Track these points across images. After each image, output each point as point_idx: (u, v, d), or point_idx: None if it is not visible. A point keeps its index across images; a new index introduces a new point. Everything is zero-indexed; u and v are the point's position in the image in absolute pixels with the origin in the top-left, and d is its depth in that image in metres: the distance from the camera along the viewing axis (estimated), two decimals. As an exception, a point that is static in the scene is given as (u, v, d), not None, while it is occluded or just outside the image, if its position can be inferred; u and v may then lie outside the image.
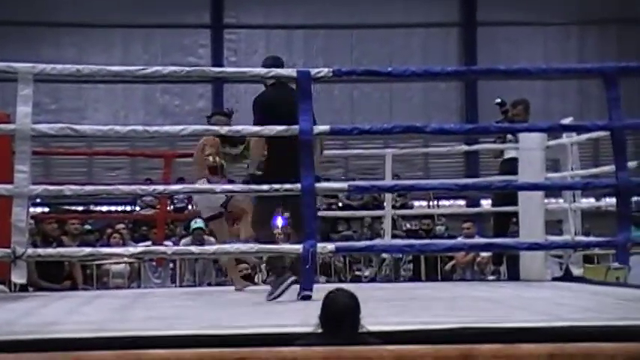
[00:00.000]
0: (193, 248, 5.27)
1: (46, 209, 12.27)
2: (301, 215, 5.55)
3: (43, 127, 4.89)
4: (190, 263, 9.09)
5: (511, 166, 7.41)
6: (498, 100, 7.94)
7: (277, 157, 5.43)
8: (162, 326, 4.16)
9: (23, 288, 7.18)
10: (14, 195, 4.76)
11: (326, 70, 5.11)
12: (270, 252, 5.39)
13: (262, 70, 5.43)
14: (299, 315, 4.13)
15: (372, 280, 9.55)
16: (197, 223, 8.91)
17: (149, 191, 5.50)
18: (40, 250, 5.22)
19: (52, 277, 8.19)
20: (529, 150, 7.10)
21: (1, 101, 12.96)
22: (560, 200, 7.76)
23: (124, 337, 3.70)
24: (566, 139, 7.06)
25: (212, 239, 9.42)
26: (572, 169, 7.06)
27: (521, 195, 7.15)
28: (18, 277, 4.75)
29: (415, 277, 9.49)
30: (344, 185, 5.64)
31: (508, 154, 7.70)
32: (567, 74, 14.64)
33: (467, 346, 1.91)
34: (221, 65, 15.15)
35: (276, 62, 5.65)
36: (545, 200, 7.41)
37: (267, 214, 5.77)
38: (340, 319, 3.26)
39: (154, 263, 8.77)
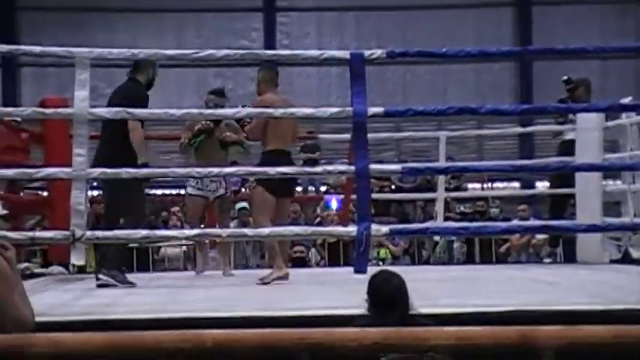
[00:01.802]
0: (247, 230, 5.30)
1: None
2: (109, 201, 5.66)
3: (100, 111, 4.96)
4: (240, 245, 9.15)
5: (570, 148, 7.28)
6: (565, 77, 7.78)
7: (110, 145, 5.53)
8: (219, 307, 4.20)
9: (81, 270, 7.32)
10: (73, 178, 4.84)
11: (379, 51, 5.08)
12: (325, 235, 5.38)
13: (315, 53, 5.42)
14: (350, 296, 4.12)
15: (426, 262, 9.51)
16: (241, 203, 9.06)
17: (204, 174, 5.53)
18: (99, 233, 5.29)
19: None
20: (587, 130, 6.98)
21: (57, 87, 13.17)
22: (619, 182, 7.63)
23: (183, 318, 3.74)
24: (625, 119, 6.92)
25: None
26: (631, 150, 6.92)
27: (579, 176, 7.04)
28: (77, 259, 4.83)
29: (469, 260, 9.42)
30: (398, 167, 5.61)
31: (568, 135, 7.57)
32: (625, 53, 14.37)
33: (528, 328, 1.88)
34: (273, 48, 15.15)
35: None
36: (604, 182, 7.29)
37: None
38: (392, 301, 3.25)
39: (210, 245, 8.85)
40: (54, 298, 4.87)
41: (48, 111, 5.28)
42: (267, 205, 5.87)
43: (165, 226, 9.60)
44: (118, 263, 5.64)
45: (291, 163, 5.75)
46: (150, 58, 5.46)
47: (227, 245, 6.48)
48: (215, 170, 5.12)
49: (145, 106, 5.41)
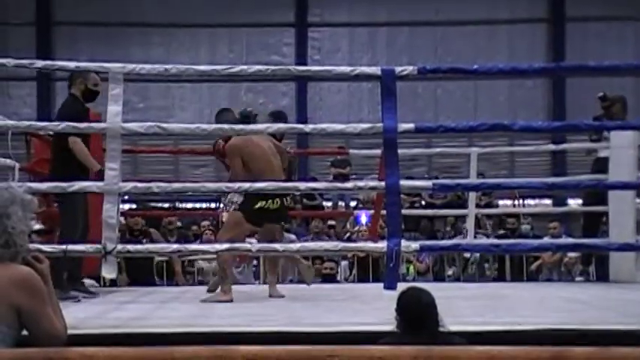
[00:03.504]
0: (277, 245, 5.29)
1: (133, 206, 12.57)
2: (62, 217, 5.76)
3: (133, 126, 4.99)
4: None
5: (604, 165, 7.21)
6: (601, 94, 7.71)
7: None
8: (248, 322, 4.20)
9: (113, 283, 7.37)
10: (105, 192, 4.87)
11: (411, 67, 5.06)
12: (355, 250, 5.36)
13: (347, 69, 5.42)
14: (380, 313, 4.11)
15: (457, 279, 9.45)
16: None
17: (234, 188, 5.55)
18: (130, 247, 5.32)
19: (140, 271, 8.42)
20: (621, 148, 6.92)
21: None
22: (653, 200, 7.53)
23: (214, 332, 3.75)
24: (660, 137, 6.85)
25: (293, 236, 9.49)
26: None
27: (612, 194, 6.97)
28: (108, 273, 4.86)
29: (500, 277, 9.34)
30: (429, 183, 5.58)
31: (602, 153, 7.50)
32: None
33: (559, 348, 1.86)
34: (305, 63, 15.21)
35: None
36: (637, 200, 7.21)
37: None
38: (422, 318, 3.23)
39: (237, 259, 8.87)
40: (85, 311, 4.91)
41: (81, 125, 5.31)
42: (237, 230, 5.85)
43: (197, 240, 9.65)
44: (74, 279, 5.84)
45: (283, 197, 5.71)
46: (80, 69, 5.60)
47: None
48: (245, 185, 5.13)
49: (81, 119, 5.46)
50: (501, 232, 10.27)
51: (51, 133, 6.74)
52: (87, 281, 7.06)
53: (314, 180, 11.22)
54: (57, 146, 5.99)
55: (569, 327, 3.75)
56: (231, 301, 5.60)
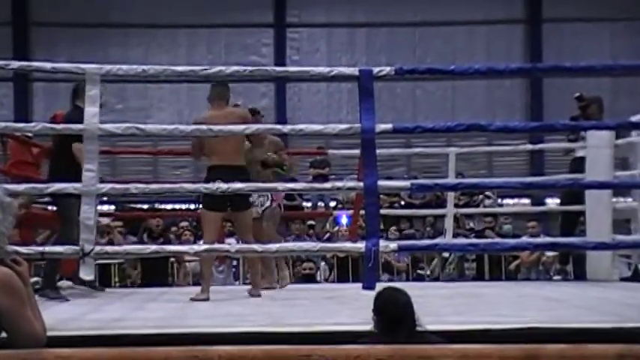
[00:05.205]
0: (256, 246, 5.29)
1: (112, 207, 12.51)
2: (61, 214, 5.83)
3: (110, 127, 4.98)
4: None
5: (581, 165, 7.27)
6: (577, 95, 7.78)
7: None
8: (226, 323, 4.20)
9: (91, 284, 7.33)
10: (83, 193, 4.86)
11: (388, 68, 5.09)
12: (334, 250, 5.38)
13: (324, 69, 5.43)
14: (359, 313, 4.13)
15: (435, 279, 9.49)
16: None
17: (212, 189, 5.54)
18: (108, 248, 5.31)
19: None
20: (597, 148, 6.98)
21: (69, 101, 13.20)
22: (629, 199, 7.61)
23: (191, 333, 3.76)
24: (635, 137, 6.92)
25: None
26: (641, 168, 6.91)
27: (589, 194, 7.03)
28: (86, 274, 4.85)
29: (479, 277, 9.40)
30: (407, 183, 5.61)
31: (579, 153, 7.56)
32: (636, 71, 14.32)
33: (533, 346, 1.89)
34: (284, 64, 15.20)
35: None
36: (614, 199, 7.28)
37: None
38: (399, 318, 3.25)
39: (217, 260, 8.87)
40: (64, 313, 4.89)
41: (59, 126, 5.30)
42: (208, 223, 5.99)
43: (178, 241, 9.63)
44: (51, 282, 5.90)
45: (232, 176, 5.65)
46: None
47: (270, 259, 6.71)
48: (224, 186, 5.13)
49: None
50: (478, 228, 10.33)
51: (29, 135, 6.71)
52: (65, 283, 7.04)
53: (293, 180, 11.22)
54: (59, 152, 5.97)
55: (545, 325, 3.78)
56: (207, 299, 5.73)
